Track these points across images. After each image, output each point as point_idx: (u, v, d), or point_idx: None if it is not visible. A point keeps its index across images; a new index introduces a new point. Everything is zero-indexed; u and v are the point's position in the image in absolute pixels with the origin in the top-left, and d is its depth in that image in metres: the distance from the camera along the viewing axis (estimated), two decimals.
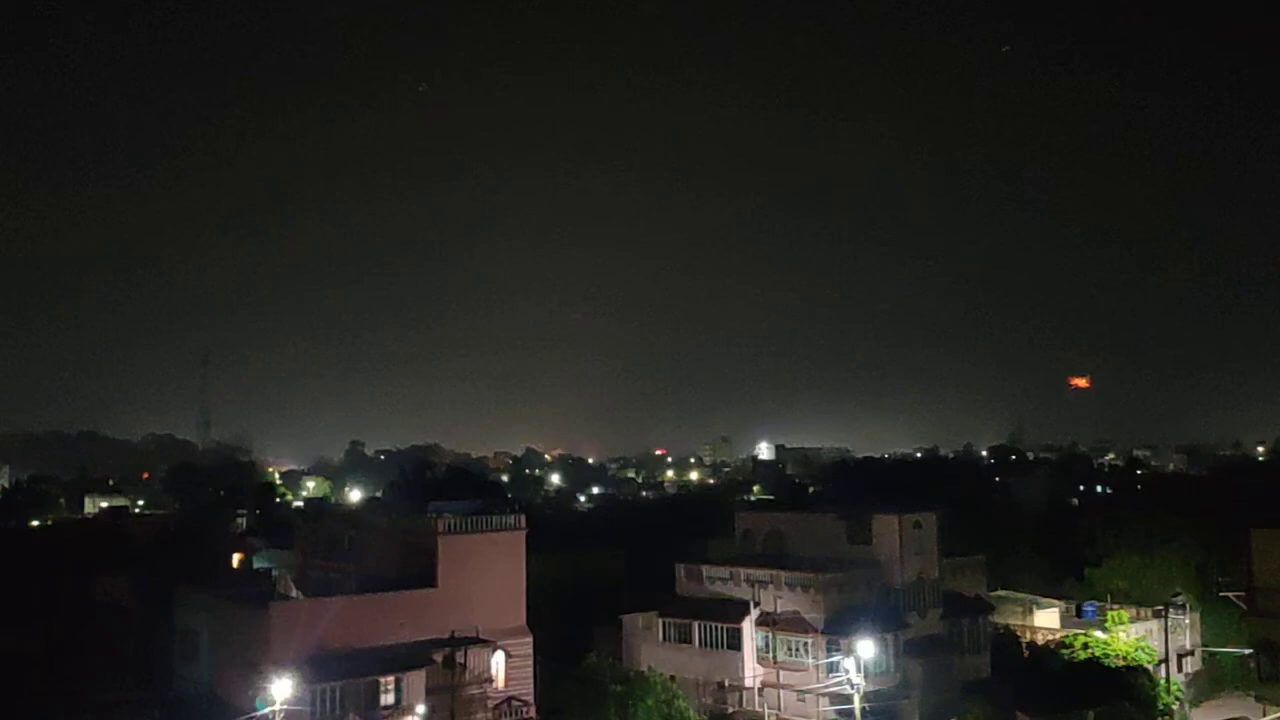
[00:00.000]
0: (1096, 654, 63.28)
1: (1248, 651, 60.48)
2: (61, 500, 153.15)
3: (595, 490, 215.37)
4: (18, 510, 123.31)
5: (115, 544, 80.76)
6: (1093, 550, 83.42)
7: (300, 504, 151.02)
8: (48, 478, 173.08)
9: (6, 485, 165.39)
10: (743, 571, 61.81)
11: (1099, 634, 65.67)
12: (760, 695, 59.45)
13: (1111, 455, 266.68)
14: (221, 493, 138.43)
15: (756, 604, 60.18)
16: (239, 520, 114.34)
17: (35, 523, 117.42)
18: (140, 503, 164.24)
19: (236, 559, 79.30)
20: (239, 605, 51.01)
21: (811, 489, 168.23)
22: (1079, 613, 71.93)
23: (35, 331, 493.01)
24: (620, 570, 76.69)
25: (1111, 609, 69.99)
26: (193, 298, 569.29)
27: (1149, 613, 69.34)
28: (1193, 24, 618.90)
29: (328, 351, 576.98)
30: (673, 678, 58.62)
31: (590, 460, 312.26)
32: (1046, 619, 71.12)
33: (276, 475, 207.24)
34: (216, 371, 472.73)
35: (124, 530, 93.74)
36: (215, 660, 50.73)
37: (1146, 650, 65.37)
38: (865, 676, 53.48)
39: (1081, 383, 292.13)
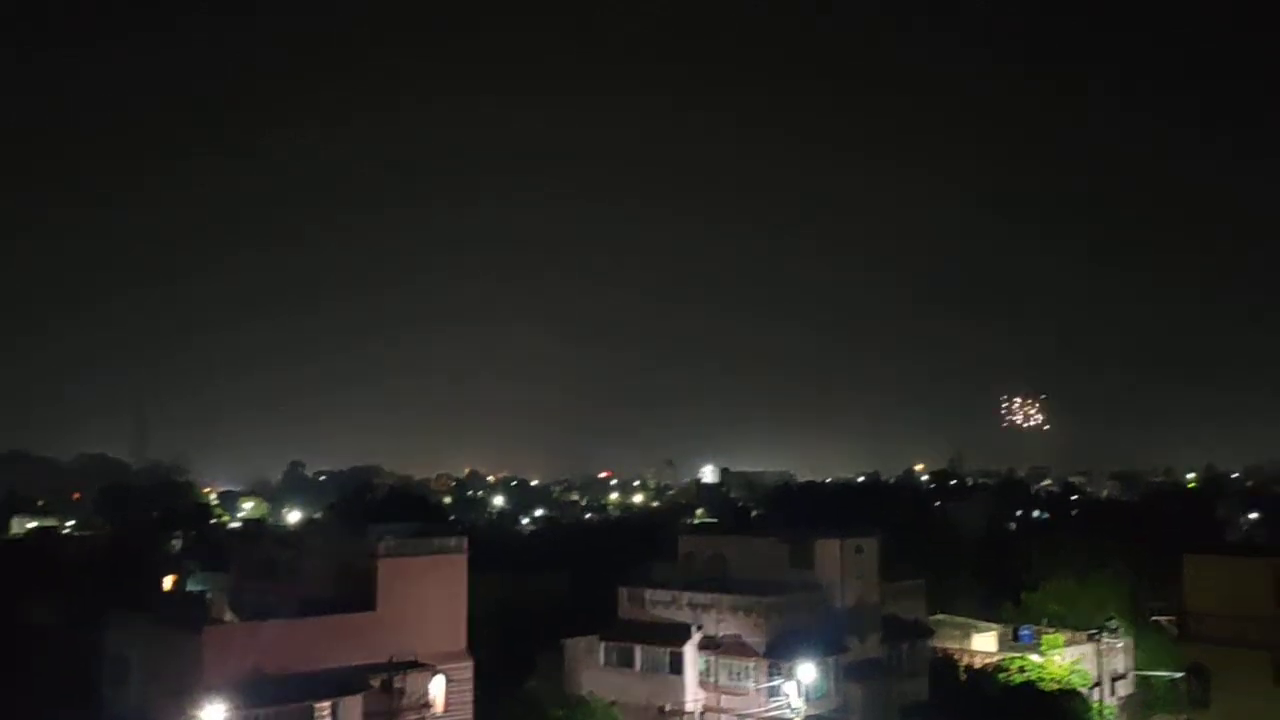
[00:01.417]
0: (1032, 677, 64.13)
1: (1179, 675, 61.68)
2: None
3: (538, 512, 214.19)
4: None
5: (44, 565, 78.66)
6: (1029, 575, 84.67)
7: (237, 525, 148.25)
8: None
9: None
10: (685, 595, 61.77)
11: (1035, 658, 66.60)
12: (701, 719, 59.35)
13: (1048, 481, 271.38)
14: (156, 514, 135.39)
15: (699, 627, 60.13)
16: (173, 542, 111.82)
17: None
18: (70, 523, 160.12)
19: (170, 581, 77.60)
20: (171, 629, 49.77)
21: (755, 512, 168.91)
22: (1015, 636, 72.88)
23: None
24: (563, 593, 76.31)
25: (1047, 633, 71.03)
26: (130, 318, 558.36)
27: (1083, 636, 70.47)
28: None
29: (269, 372, 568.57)
30: (614, 702, 58.37)
31: (534, 482, 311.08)
32: (984, 642, 71.96)
33: (213, 496, 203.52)
34: (154, 391, 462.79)
35: (53, 551, 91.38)
36: (146, 685, 49.44)
37: (1080, 674, 66.39)
38: (806, 700, 53.74)
39: (1030, 408, 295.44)
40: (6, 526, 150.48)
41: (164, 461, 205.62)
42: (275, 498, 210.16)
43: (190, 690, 44.45)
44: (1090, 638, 69.25)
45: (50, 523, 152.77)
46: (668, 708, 59.73)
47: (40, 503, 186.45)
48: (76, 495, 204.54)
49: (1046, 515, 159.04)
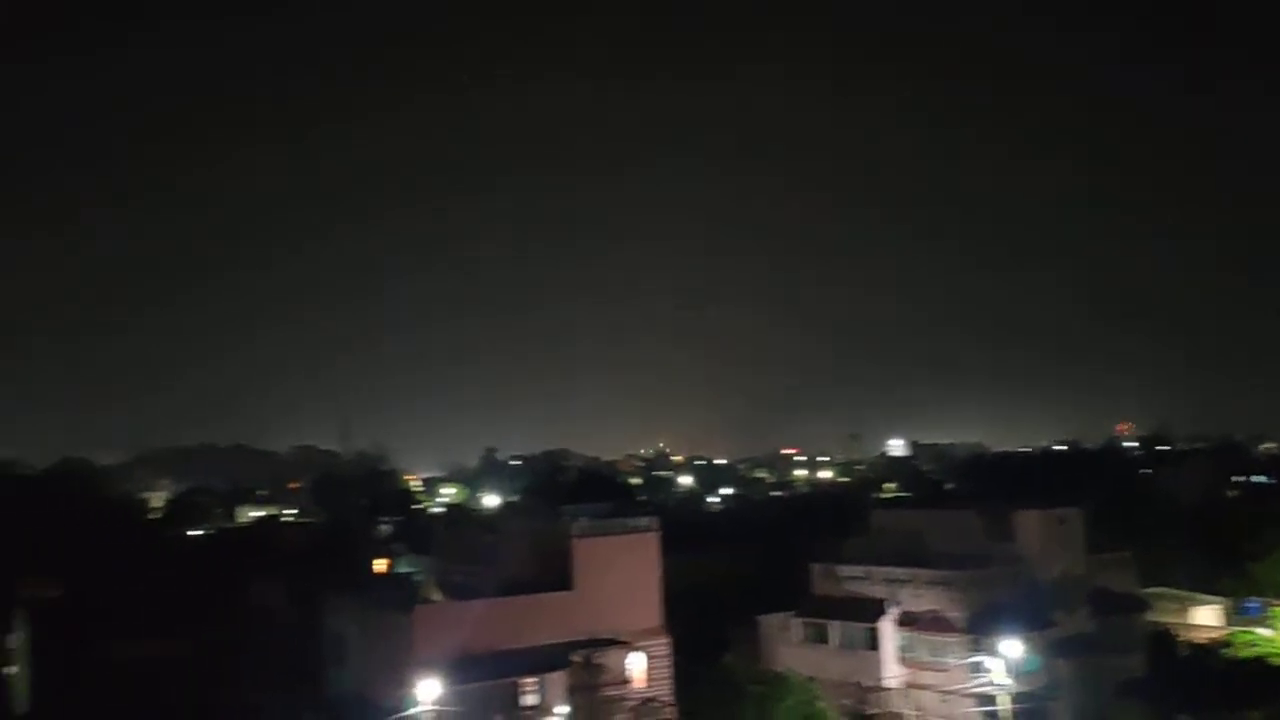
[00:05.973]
0: (1262, 652, 60.14)
1: None
2: (219, 510, 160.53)
3: (726, 491, 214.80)
4: (179, 521, 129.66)
5: (267, 551, 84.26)
6: (1253, 544, 79.24)
7: (439, 510, 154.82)
8: (204, 489, 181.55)
9: (170, 497, 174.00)
10: (879, 570, 60.83)
11: (1264, 631, 62.44)
12: (904, 696, 58.37)
13: (1269, 444, 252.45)
14: (365, 501, 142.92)
15: (896, 603, 59.16)
16: (383, 527, 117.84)
17: (192, 532, 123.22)
18: (290, 512, 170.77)
19: (384, 564, 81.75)
20: (385, 610, 52.59)
21: (947, 485, 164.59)
22: (1240, 609, 68.56)
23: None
24: (753, 570, 76.25)
25: (1276, 605, 66.47)
26: (326, 320, 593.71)
27: None
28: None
29: (462, 361, 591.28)
30: (811, 678, 58.07)
31: (720, 461, 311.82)
32: (1205, 616, 68.10)
33: (416, 483, 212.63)
34: (352, 385, 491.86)
35: (275, 538, 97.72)
36: (364, 663, 52.41)
37: None
38: (1013, 677, 51.99)
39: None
40: (234, 515, 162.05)
41: (369, 450, 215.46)
42: (471, 483, 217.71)
43: (404, 666, 46.80)
44: None
45: (271, 511, 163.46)
46: (864, 684, 59.05)
47: (261, 492, 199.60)
48: (294, 485, 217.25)
49: (1269, 480, 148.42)
